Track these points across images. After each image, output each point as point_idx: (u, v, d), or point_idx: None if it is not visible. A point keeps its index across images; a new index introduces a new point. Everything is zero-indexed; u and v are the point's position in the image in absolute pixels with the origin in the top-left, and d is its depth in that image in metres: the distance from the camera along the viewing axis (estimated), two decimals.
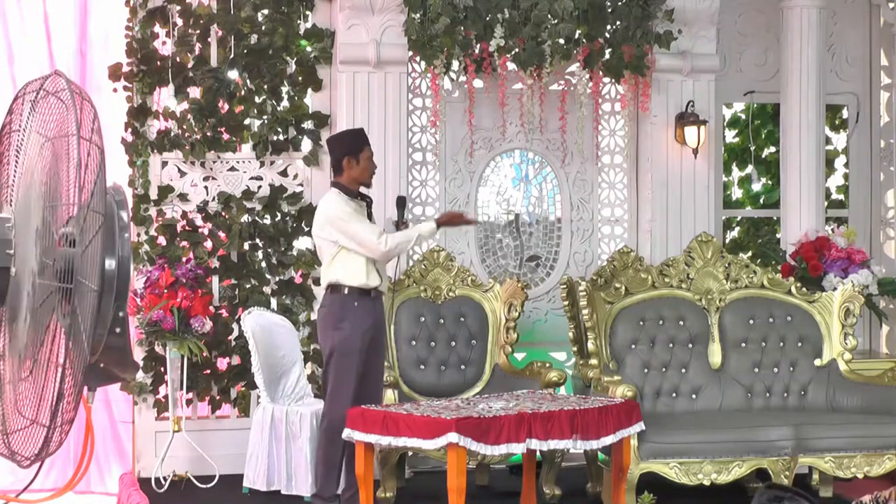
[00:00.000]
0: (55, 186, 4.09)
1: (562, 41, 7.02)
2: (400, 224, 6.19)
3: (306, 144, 7.23)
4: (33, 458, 4.17)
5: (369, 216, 5.95)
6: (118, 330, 4.05)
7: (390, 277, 6.31)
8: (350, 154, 5.88)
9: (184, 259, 6.91)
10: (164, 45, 7.03)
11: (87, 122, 3.92)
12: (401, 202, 6.33)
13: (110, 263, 3.94)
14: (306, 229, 7.09)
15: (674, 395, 6.55)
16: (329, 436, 5.77)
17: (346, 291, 5.78)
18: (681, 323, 6.63)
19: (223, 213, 7.10)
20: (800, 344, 6.66)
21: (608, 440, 5.46)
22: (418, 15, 6.98)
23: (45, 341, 4.14)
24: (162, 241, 7.01)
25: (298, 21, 7.18)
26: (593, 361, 6.35)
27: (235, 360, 7.11)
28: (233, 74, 7.08)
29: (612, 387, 5.99)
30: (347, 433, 5.36)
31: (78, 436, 6.38)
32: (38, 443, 4.09)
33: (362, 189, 6.00)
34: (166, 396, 6.84)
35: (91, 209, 3.86)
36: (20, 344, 4.15)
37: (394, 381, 6.24)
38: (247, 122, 7.17)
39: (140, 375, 6.91)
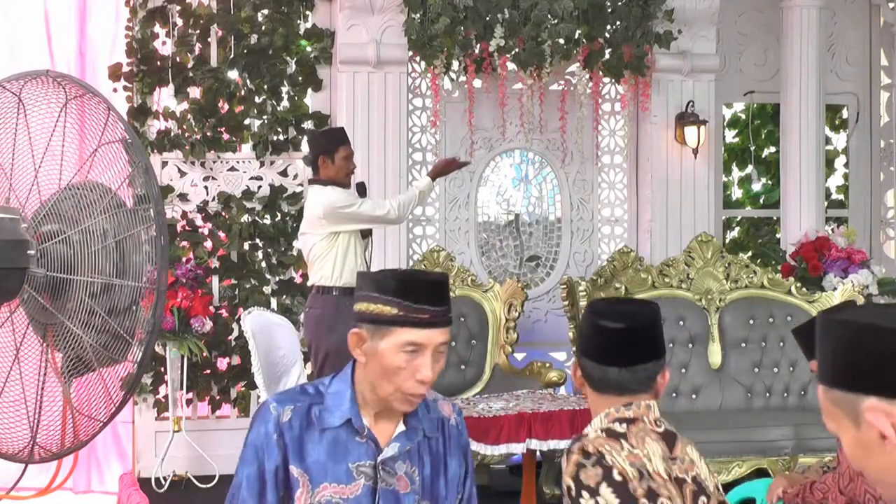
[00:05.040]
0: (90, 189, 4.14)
1: (562, 41, 7.02)
2: None
3: (306, 144, 7.23)
4: (60, 452, 4.22)
5: None
6: (128, 323, 4.12)
7: None
8: (325, 153, 5.78)
9: (184, 259, 6.91)
10: (164, 45, 7.03)
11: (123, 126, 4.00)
12: (361, 188, 6.04)
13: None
14: None
15: (674, 395, 6.55)
16: None
17: (335, 293, 5.69)
18: (681, 323, 6.63)
19: (223, 213, 7.10)
20: None
21: None
22: (418, 15, 6.98)
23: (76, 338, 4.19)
24: None
25: (298, 21, 7.18)
26: None
27: (235, 360, 7.11)
28: (233, 74, 7.08)
29: None
30: None
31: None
32: (69, 437, 4.15)
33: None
34: (166, 396, 6.85)
35: (158, 212, 3.94)
36: (83, 343, 4.18)
37: None
38: (247, 122, 7.17)
39: None
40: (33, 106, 4.31)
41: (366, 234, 5.98)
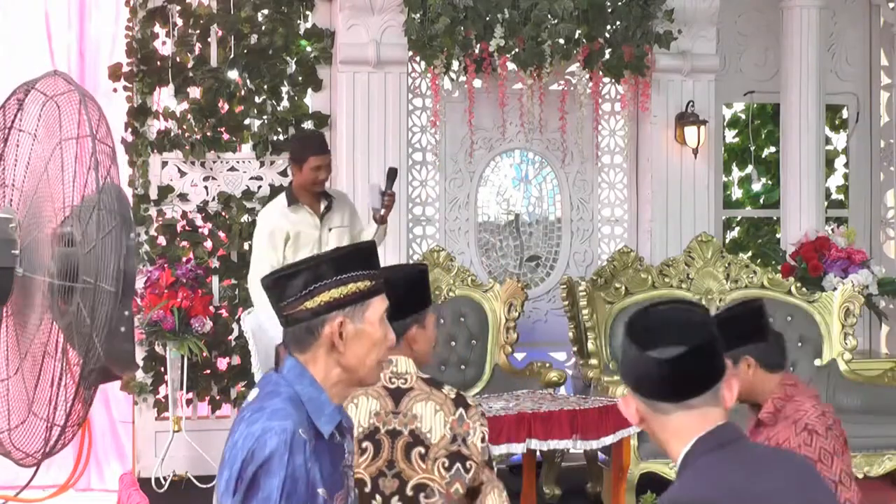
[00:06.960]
0: (58, 188, 4.11)
1: (562, 41, 7.02)
2: (386, 194, 5.75)
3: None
4: (39, 456, 4.20)
5: (329, 216, 5.75)
6: (123, 329, 4.08)
7: None
8: (293, 161, 5.72)
9: (184, 259, 6.91)
10: (164, 45, 7.03)
11: (92, 122, 3.95)
12: (392, 173, 5.83)
13: (123, 262, 3.97)
14: None
15: None
16: None
17: None
18: None
19: (223, 213, 7.10)
20: (800, 344, 6.65)
21: (608, 440, 5.46)
22: (418, 15, 6.98)
23: (49, 340, 4.16)
24: (162, 241, 7.01)
25: (298, 21, 7.18)
26: (593, 361, 6.35)
27: (235, 360, 7.11)
28: (233, 74, 7.08)
29: (612, 387, 5.99)
30: None
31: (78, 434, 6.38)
32: (46, 441, 4.12)
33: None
34: (166, 396, 6.84)
35: (104, 209, 3.88)
36: (35, 343, 4.16)
37: None
38: (247, 122, 7.17)
39: (140, 375, 6.91)
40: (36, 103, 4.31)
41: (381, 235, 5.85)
